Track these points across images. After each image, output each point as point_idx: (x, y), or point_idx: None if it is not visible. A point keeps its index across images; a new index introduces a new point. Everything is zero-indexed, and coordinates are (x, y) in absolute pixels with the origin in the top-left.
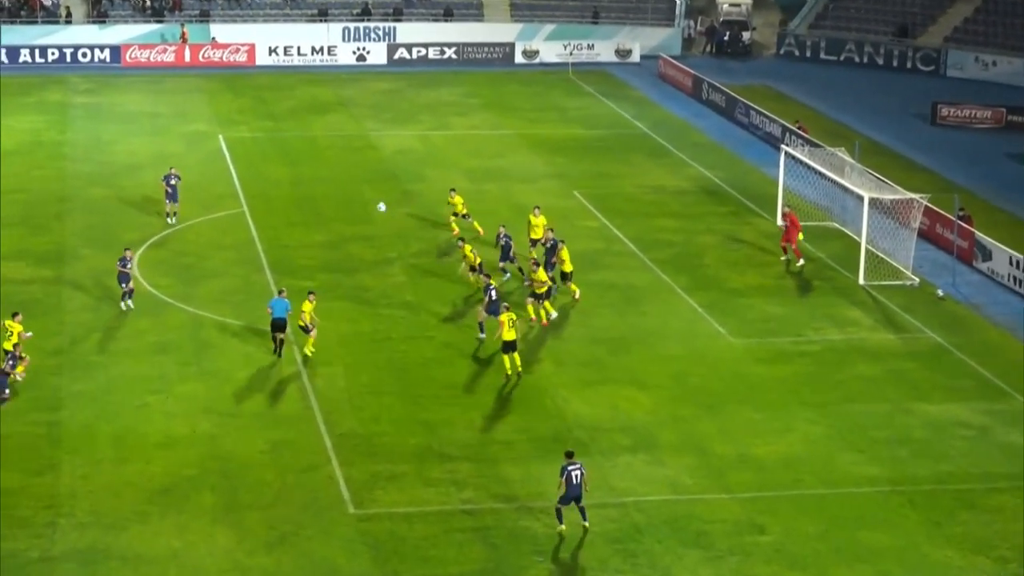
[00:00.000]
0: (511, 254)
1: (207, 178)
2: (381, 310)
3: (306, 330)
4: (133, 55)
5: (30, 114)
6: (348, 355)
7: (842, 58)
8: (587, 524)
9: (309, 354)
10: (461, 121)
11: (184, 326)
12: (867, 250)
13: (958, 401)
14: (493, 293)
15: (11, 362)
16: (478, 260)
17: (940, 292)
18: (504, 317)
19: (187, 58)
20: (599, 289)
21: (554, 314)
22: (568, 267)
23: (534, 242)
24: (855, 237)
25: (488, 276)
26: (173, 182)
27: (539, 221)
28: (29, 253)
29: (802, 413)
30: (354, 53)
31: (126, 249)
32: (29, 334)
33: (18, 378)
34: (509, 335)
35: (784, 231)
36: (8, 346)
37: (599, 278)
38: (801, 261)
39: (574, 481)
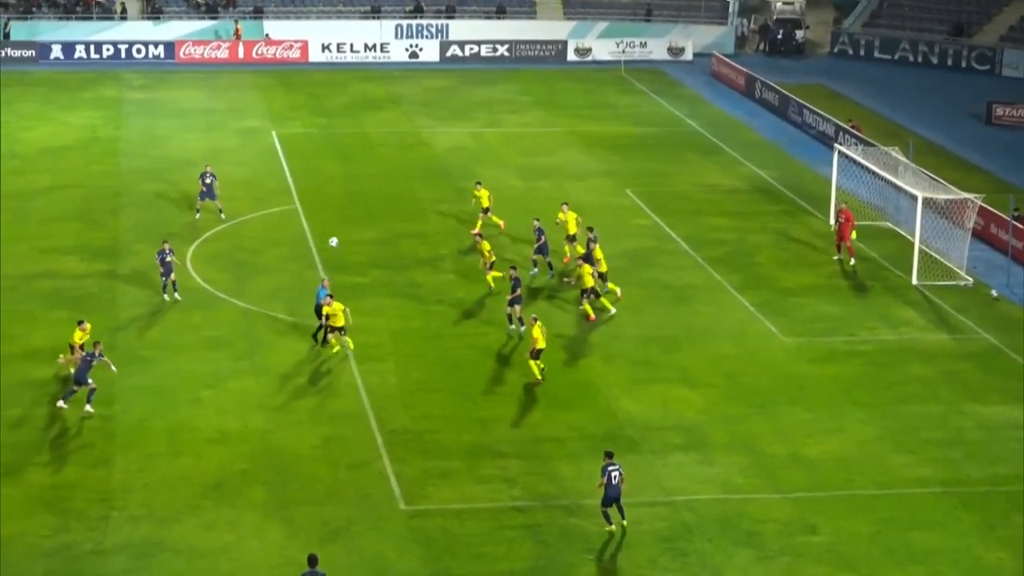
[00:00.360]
0: (544, 248)
1: (260, 174)
2: (432, 307)
3: (342, 331)
4: (187, 51)
5: (86, 110)
6: (400, 351)
7: (896, 57)
8: (626, 523)
9: (339, 350)
10: (513, 118)
11: (237, 322)
12: (921, 250)
13: (1012, 403)
14: (517, 285)
15: (95, 355)
16: (493, 258)
17: (994, 292)
18: (537, 329)
19: (241, 54)
20: (651, 287)
21: (593, 316)
22: (603, 267)
23: (570, 238)
24: (908, 237)
25: (514, 267)
26: (208, 180)
27: (569, 216)
28: (85, 248)
29: (854, 413)
30: (407, 50)
31: (164, 241)
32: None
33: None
34: (542, 344)
35: (838, 228)
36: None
37: (651, 276)
38: (852, 260)
39: (613, 481)
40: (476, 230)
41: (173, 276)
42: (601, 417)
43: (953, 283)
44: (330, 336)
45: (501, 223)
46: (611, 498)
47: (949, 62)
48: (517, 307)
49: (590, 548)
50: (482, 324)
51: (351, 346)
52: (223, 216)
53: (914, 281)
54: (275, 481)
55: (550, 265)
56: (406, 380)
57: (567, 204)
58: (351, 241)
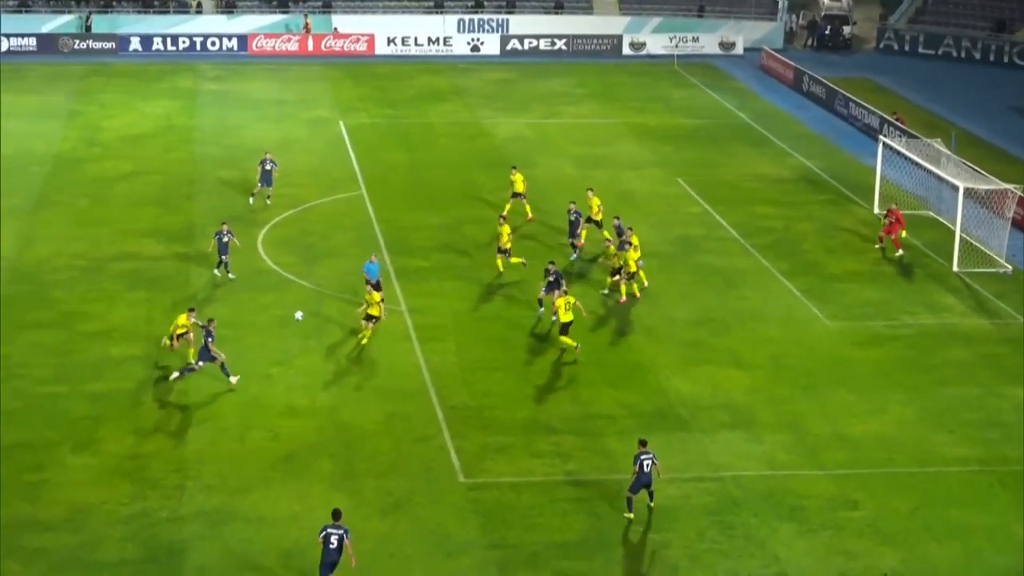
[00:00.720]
0: (578, 231)
1: (328, 162)
2: (492, 290)
3: (375, 320)
4: (259, 44)
5: (163, 99)
6: (460, 332)
7: (940, 52)
8: (652, 504)
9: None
10: (570, 110)
11: (305, 302)
12: (961, 238)
13: None
14: (552, 275)
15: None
16: (509, 244)
17: None
18: (561, 301)
19: (310, 47)
20: (701, 273)
21: (624, 298)
22: (632, 267)
23: (596, 222)
24: (950, 225)
25: (552, 262)
26: (268, 167)
27: (593, 201)
28: (161, 231)
29: (895, 395)
30: (468, 44)
31: (223, 223)
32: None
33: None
34: (566, 317)
35: (886, 225)
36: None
37: (702, 262)
38: (900, 251)
39: (645, 469)
40: (503, 213)
41: (227, 256)
42: (652, 396)
43: (992, 270)
44: (363, 323)
45: (530, 214)
46: (641, 484)
47: (991, 58)
48: (554, 293)
49: (640, 521)
50: (537, 306)
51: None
52: (269, 203)
53: (955, 268)
54: (341, 454)
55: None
56: (466, 359)
57: (592, 189)
58: (415, 226)
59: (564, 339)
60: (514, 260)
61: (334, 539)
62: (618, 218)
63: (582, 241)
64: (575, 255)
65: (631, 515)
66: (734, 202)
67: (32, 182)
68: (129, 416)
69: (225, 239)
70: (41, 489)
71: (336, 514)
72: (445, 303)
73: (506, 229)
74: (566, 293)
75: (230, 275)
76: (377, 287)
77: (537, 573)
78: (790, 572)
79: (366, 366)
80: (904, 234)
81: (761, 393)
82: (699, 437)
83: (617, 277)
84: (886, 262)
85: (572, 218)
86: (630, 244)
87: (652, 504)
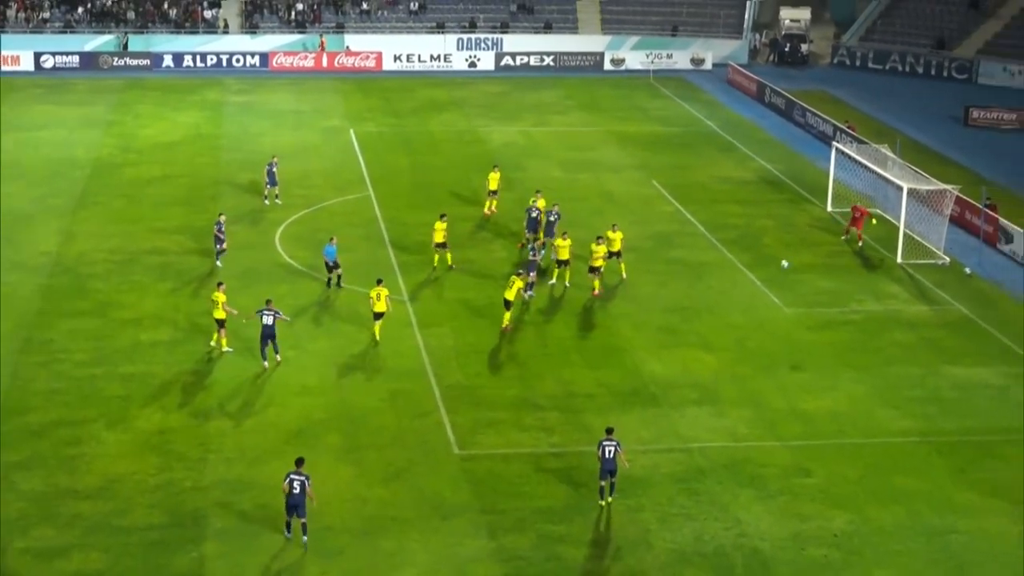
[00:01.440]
0: (538, 229)
1: (340, 166)
2: (485, 280)
3: (381, 316)
4: (279, 61)
5: (193, 110)
6: (456, 318)
7: (887, 67)
8: (610, 500)
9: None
10: (558, 119)
11: (316, 292)
12: (905, 233)
13: (982, 365)
14: (523, 267)
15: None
16: (442, 239)
17: (968, 270)
18: (519, 283)
19: (324, 64)
20: (673, 265)
21: (597, 290)
22: (598, 262)
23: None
24: (894, 222)
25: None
26: (274, 169)
27: (540, 203)
28: (188, 228)
29: (846, 374)
30: (466, 60)
31: (220, 214)
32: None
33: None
34: (509, 295)
35: (852, 220)
36: (219, 315)
37: (674, 255)
38: (860, 243)
39: (607, 455)
40: (489, 208)
41: (224, 246)
42: (628, 376)
43: (932, 262)
44: (376, 322)
45: (489, 209)
46: (606, 471)
47: (932, 72)
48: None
49: (618, 489)
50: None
51: (377, 336)
52: (278, 202)
53: (899, 260)
54: (348, 429)
55: (529, 246)
56: (461, 343)
57: (540, 191)
58: (417, 223)
59: (507, 314)
60: (437, 255)
61: (297, 484)
62: (555, 204)
63: (541, 240)
64: (537, 253)
65: (603, 502)
66: (703, 201)
67: (74, 185)
68: (157, 396)
69: (221, 231)
70: (78, 461)
71: (299, 462)
72: (442, 292)
73: (441, 225)
74: (520, 275)
75: (218, 263)
76: (380, 281)
77: (523, 535)
78: (750, 533)
79: (371, 350)
80: (875, 221)
81: (726, 373)
82: (669, 412)
83: (560, 267)
84: (837, 255)
85: (552, 218)
86: (554, 233)
87: (611, 499)
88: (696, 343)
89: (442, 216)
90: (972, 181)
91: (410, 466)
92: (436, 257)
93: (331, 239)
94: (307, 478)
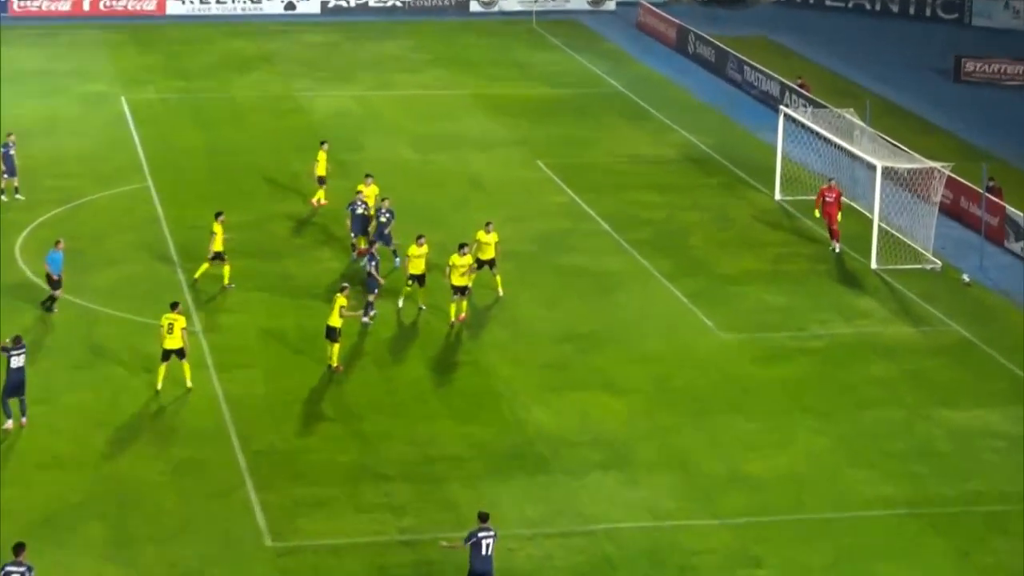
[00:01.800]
0: (386, 232)
1: (105, 147)
2: (308, 302)
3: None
4: (22, 4)
5: None
6: (269, 356)
7: (851, 5)
8: None
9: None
10: (407, 79)
11: (73, 323)
12: (880, 228)
13: (988, 406)
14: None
15: None
16: (221, 247)
17: (966, 277)
18: (341, 300)
19: (86, 7)
20: (566, 276)
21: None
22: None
23: (366, 219)
24: (866, 213)
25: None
26: (11, 152)
27: (371, 191)
28: None
29: (804, 422)
30: (282, 1)
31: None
32: None
33: None
34: (333, 322)
35: (825, 209)
36: None
37: (567, 263)
38: (837, 245)
39: (484, 552)
40: (318, 201)
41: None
42: (506, 431)
43: (918, 267)
44: (163, 364)
45: (318, 200)
46: (479, 573)
47: (911, 10)
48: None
49: None
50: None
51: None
52: (19, 197)
53: (873, 265)
54: (116, 515)
55: (395, 252)
56: (275, 390)
57: (371, 176)
58: (212, 225)
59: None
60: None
61: None
62: (385, 199)
63: (367, 247)
64: (375, 263)
65: None
66: (606, 188)
67: None
68: None
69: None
70: None
71: (18, 548)
72: (249, 320)
73: (219, 228)
74: (344, 290)
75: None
76: (175, 306)
77: None
78: None
79: (149, 402)
80: (840, 217)
81: (640, 424)
82: (565, 481)
83: (411, 283)
84: (788, 258)
85: (383, 218)
86: (388, 237)
87: None
88: (599, 384)
89: (218, 215)
90: (968, 156)
91: (203, 566)
92: (226, 270)
93: (56, 243)
94: (28, 568)
